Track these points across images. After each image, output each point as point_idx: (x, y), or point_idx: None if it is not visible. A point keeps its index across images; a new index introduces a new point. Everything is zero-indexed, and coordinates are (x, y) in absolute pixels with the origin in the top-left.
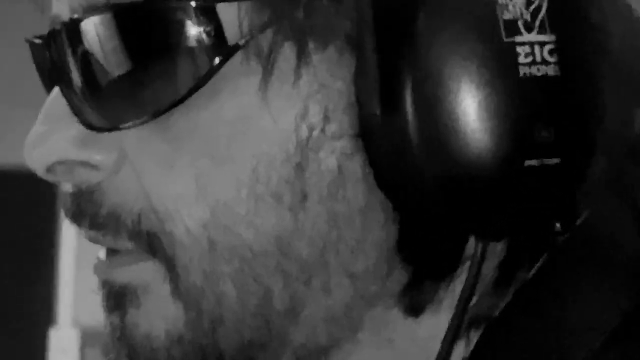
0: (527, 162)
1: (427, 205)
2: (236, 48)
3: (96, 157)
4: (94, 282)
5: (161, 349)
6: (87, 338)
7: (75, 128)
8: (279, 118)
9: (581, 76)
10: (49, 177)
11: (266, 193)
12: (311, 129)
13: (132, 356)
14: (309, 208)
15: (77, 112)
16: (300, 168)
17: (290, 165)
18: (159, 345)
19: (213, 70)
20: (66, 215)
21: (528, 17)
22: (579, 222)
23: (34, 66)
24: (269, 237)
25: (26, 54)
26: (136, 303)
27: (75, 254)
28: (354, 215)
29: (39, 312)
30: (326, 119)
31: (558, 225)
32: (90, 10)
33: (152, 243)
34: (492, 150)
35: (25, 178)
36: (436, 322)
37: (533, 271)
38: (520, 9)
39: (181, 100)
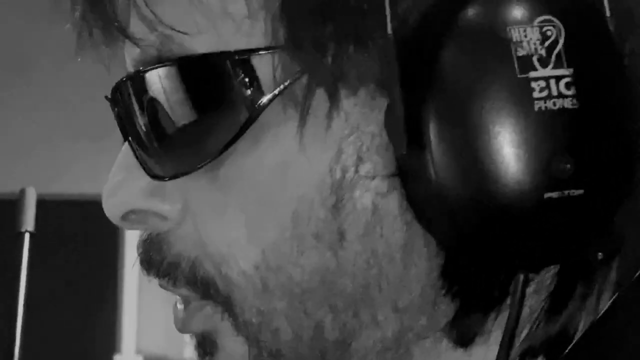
0: (547, 195)
1: (462, 240)
2: (272, 97)
3: (163, 207)
4: (155, 311)
5: None
6: None
7: (145, 179)
8: (314, 162)
9: (600, 107)
10: (125, 225)
11: (307, 233)
12: (345, 171)
13: None
14: (348, 246)
15: (141, 162)
16: (336, 209)
17: (326, 207)
18: None
19: (252, 119)
20: (139, 262)
21: (543, 52)
22: None
23: (94, 102)
24: (314, 275)
25: (88, 90)
26: (216, 346)
27: (138, 285)
28: (393, 252)
29: (105, 340)
30: (359, 160)
31: (600, 255)
32: (140, 66)
33: (206, 289)
34: (512, 183)
35: (89, 208)
36: (486, 353)
37: (611, 301)
38: (534, 45)
39: (224, 149)
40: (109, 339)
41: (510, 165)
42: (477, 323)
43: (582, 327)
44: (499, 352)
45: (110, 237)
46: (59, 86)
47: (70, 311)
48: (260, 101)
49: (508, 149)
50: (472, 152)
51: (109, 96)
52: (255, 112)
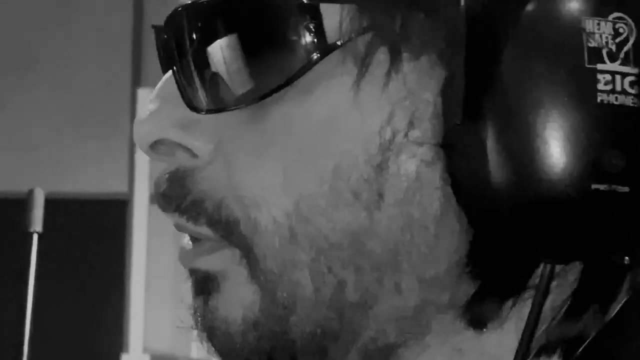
0: (594, 186)
1: (498, 220)
2: (334, 47)
3: (195, 143)
4: (162, 310)
5: (237, 333)
6: None
7: (181, 111)
8: (366, 119)
9: None
10: (152, 155)
11: (346, 189)
12: (395, 133)
13: (210, 338)
14: (385, 209)
15: (183, 93)
16: (379, 169)
17: (370, 165)
18: (235, 329)
19: (309, 66)
20: (157, 198)
21: (613, 47)
22: None
23: (102, 103)
24: (345, 232)
25: (95, 90)
26: (217, 288)
27: (145, 284)
28: (428, 222)
29: (112, 340)
30: (410, 125)
31: (627, 258)
32: None
33: (230, 229)
34: (561, 170)
35: (96, 208)
36: (501, 340)
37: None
38: (606, 38)
39: (275, 91)
40: (116, 338)
41: (563, 151)
42: (492, 308)
43: None
44: (521, 340)
45: (118, 237)
46: (67, 86)
47: (77, 311)
48: (320, 49)
49: (564, 135)
50: (526, 134)
51: (159, 25)
52: (313, 60)
